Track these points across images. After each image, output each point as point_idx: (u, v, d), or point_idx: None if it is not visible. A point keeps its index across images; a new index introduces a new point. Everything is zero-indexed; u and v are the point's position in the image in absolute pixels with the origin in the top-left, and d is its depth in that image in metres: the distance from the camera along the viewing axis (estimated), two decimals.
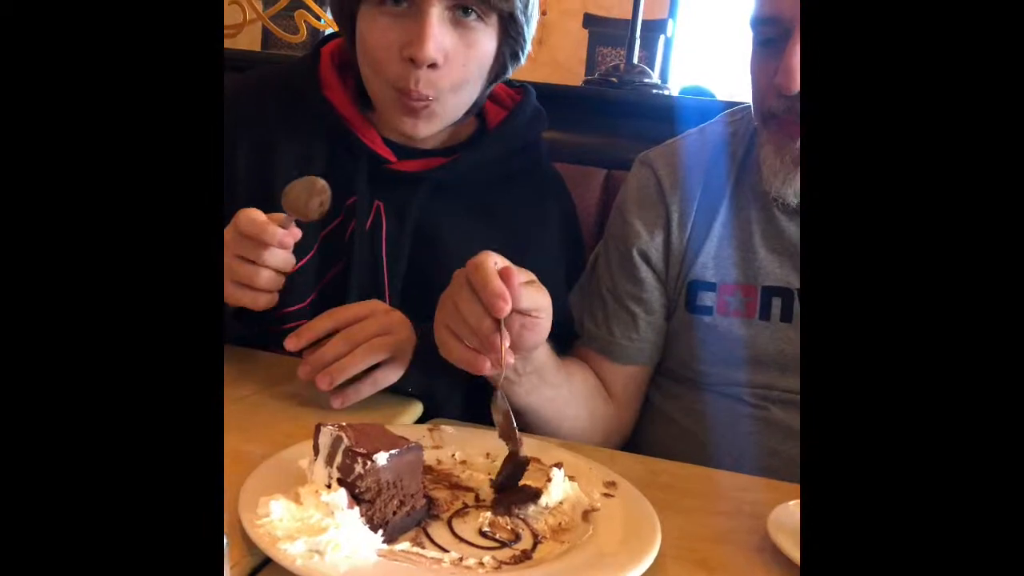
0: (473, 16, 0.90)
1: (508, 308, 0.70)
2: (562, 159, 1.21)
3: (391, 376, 0.85)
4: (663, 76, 3.36)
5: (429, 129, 0.95)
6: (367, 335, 0.83)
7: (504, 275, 0.71)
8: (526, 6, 0.93)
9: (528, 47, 0.97)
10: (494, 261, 0.73)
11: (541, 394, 0.87)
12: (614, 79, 1.67)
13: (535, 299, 0.75)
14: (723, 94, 3.10)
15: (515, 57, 0.98)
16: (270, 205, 0.84)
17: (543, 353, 0.84)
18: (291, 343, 0.83)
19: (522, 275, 0.74)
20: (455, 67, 0.91)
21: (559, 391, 0.90)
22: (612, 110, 1.44)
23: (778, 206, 0.95)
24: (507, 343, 0.72)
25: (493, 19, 0.91)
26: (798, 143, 0.88)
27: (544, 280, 1.00)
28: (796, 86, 0.84)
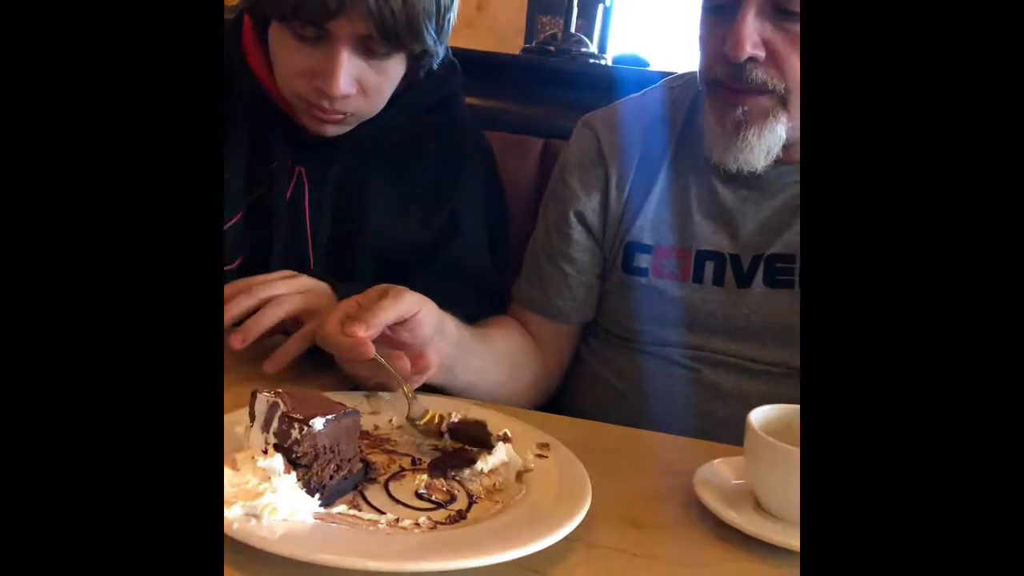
0: (382, 51, 0.91)
1: (370, 351, 0.72)
2: (499, 128, 1.22)
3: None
4: (601, 45, 3.37)
5: (340, 131, 0.98)
6: (274, 292, 0.83)
7: (357, 316, 0.72)
8: (438, 33, 0.93)
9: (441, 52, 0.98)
10: (341, 315, 0.74)
11: (471, 366, 0.89)
12: (552, 48, 1.67)
13: (394, 312, 0.74)
14: (658, 63, 3.12)
15: (423, 66, 0.99)
16: None
17: (453, 328, 0.85)
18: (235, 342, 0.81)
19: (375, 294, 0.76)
20: (371, 92, 0.94)
21: (484, 358, 0.92)
22: (550, 79, 1.44)
23: (716, 173, 0.97)
24: (403, 362, 0.77)
25: (401, 50, 0.92)
26: (739, 110, 0.89)
27: (466, 236, 1.03)
28: (743, 54, 0.85)
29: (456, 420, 0.72)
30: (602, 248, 1.04)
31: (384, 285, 0.78)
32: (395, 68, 0.94)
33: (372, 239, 0.90)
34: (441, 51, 0.97)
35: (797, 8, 0.84)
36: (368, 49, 0.90)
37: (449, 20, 0.94)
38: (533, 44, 1.85)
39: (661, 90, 1.07)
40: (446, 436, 0.72)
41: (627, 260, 1.01)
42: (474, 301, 1.01)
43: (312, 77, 0.90)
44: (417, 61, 0.96)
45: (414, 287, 0.78)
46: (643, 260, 1.00)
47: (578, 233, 1.03)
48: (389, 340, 0.76)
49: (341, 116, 0.94)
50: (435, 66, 1.00)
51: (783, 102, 0.88)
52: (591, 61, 1.68)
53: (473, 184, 1.07)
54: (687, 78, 1.07)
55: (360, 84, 0.92)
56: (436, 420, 0.73)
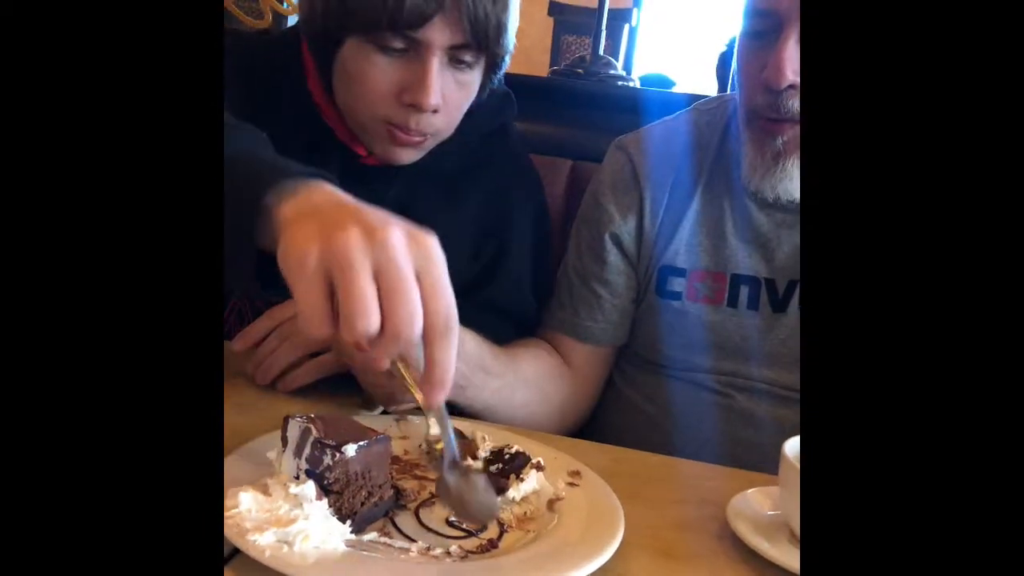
0: (468, 59, 0.89)
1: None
2: (528, 149, 1.22)
3: (334, 361, 0.85)
4: (627, 65, 3.38)
5: (415, 157, 0.94)
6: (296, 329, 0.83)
7: None
8: (511, 43, 0.92)
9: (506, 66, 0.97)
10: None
11: (489, 387, 0.88)
12: (580, 70, 1.67)
13: None
14: (684, 82, 3.13)
15: (493, 81, 0.98)
16: None
17: (472, 347, 0.85)
18: (237, 344, 0.84)
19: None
20: (451, 109, 0.91)
21: (504, 379, 0.91)
22: (578, 101, 1.44)
23: (752, 197, 0.96)
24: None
25: (483, 59, 0.91)
26: (779, 140, 0.89)
27: (512, 272, 1.02)
28: (784, 81, 0.85)
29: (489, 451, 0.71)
30: (636, 271, 1.03)
31: None
32: (474, 82, 0.92)
33: None
34: (505, 66, 0.96)
35: None
36: (453, 60, 0.88)
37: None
38: (561, 66, 1.86)
39: (694, 113, 1.07)
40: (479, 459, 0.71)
41: (661, 284, 1.01)
42: (513, 337, 1.00)
43: (400, 93, 0.87)
44: (488, 77, 0.95)
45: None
46: (677, 284, 1.00)
47: (613, 255, 1.03)
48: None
49: (423, 138, 0.91)
50: (496, 84, 0.98)
51: None
52: (619, 83, 1.68)
53: (523, 218, 1.06)
54: (719, 101, 1.07)
55: (444, 99, 0.89)
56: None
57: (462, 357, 0.82)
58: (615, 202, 1.03)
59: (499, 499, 0.67)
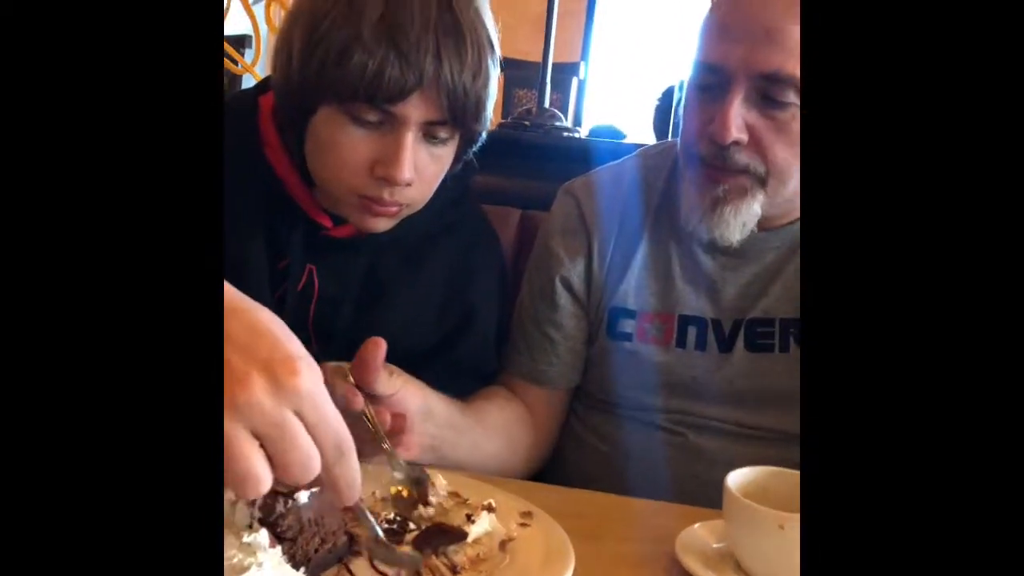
0: (443, 135, 0.88)
1: (359, 399, 0.75)
2: (478, 200, 1.24)
3: None
4: (577, 118, 3.46)
5: (389, 226, 0.93)
6: None
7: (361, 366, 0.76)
8: (488, 120, 0.92)
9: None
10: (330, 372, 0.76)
11: (462, 445, 0.90)
12: (527, 123, 1.72)
13: (386, 384, 0.78)
14: (633, 134, 3.21)
15: (467, 154, 0.97)
16: None
17: (443, 409, 0.87)
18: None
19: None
20: (425, 182, 0.90)
21: (475, 433, 0.93)
22: (526, 152, 1.48)
23: (696, 239, 1.00)
24: (385, 418, 0.77)
25: (458, 134, 0.91)
26: (720, 188, 0.92)
27: (478, 333, 1.03)
28: (729, 138, 0.88)
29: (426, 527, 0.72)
30: (587, 313, 1.06)
31: None
32: (448, 155, 0.91)
33: (385, 336, 0.87)
34: (481, 141, 0.95)
35: (783, 97, 0.87)
36: (428, 135, 0.87)
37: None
38: (509, 119, 1.91)
39: (640, 158, 1.11)
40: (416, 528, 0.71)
41: (611, 325, 1.03)
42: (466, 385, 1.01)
43: (372, 166, 0.86)
44: (462, 150, 0.94)
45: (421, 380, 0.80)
46: (627, 325, 1.02)
47: (564, 299, 1.05)
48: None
49: (397, 208, 0.89)
50: (469, 156, 0.97)
51: (762, 182, 0.91)
52: (565, 134, 1.73)
53: (487, 279, 1.06)
54: (663, 147, 1.11)
55: (418, 172, 0.87)
56: (405, 495, 0.74)
57: (432, 420, 0.84)
58: (564, 246, 1.06)
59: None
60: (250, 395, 0.47)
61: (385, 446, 0.76)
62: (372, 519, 0.63)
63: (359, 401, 0.75)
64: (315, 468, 0.50)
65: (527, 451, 1.03)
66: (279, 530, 0.61)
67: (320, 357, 0.88)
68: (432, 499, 0.73)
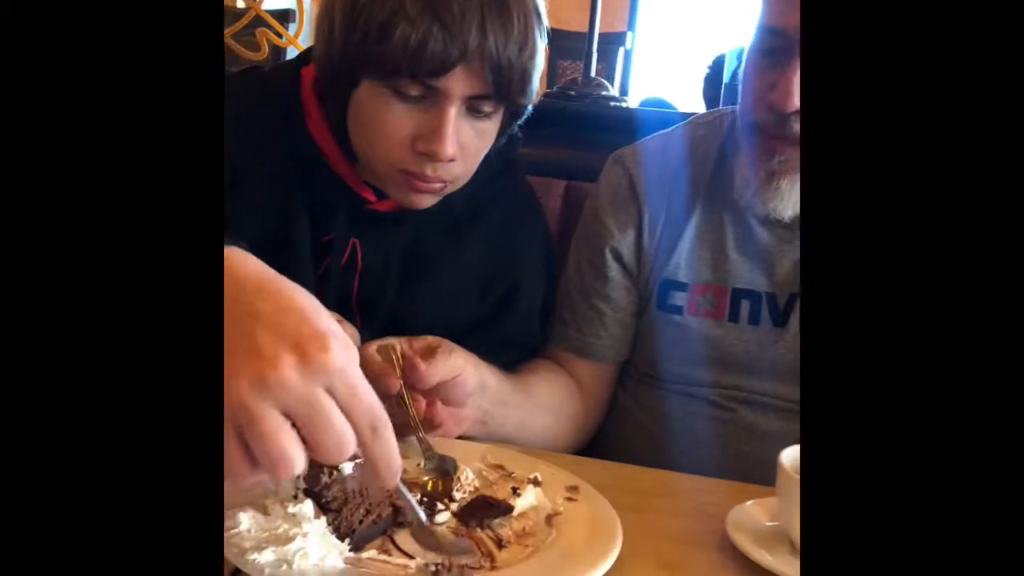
0: (487, 109, 0.86)
1: (395, 383, 0.74)
2: (523, 171, 1.23)
3: None
4: (623, 88, 3.41)
5: (432, 202, 0.91)
6: None
7: (407, 365, 0.75)
8: (534, 93, 0.89)
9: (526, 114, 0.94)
10: (377, 345, 0.77)
11: (511, 419, 0.89)
12: (572, 92, 1.69)
13: (439, 374, 0.77)
14: (683, 107, 3.15)
15: (512, 128, 0.95)
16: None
17: (494, 384, 0.86)
18: None
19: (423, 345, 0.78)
20: (469, 157, 0.87)
21: (524, 409, 0.92)
22: (571, 122, 1.45)
23: (751, 212, 0.97)
24: (419, 405, 0.77)
25: (503, 108, 0.88)
26: (776, 159, 0.88)
27: (523, 310, 1.02)
28: (792, 107, 0.84)
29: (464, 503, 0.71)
30: (637, 285, 1.03)
31: (433, 338, 0.79)
32: (492, 130, 0.89)
33: (427, 313, 0.86)
34: (527, 114, 0.93)
35: None
36: (472, 109, 0.85)
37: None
38: (555, 88, 1.88)
39: (690, 127, 1.07)
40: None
41: (662, 298, 1.01)
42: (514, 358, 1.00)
43: (414, 142, 0.84)
44: (507, 124, 0.92)
45: None
46: (678, 298, 1.00)
47: (614, 271, 1.03)
48: (427, 391, 0.77)
49: (441, 185, 0.88)
50: (514, 130, 0.95)
51: None
52: (611, 104, 1.69)
53: (531, 254, 1.04)
54: (715, 116, 1.07)
55: (461, 148, 0.85)
56: (438, 488, 0.73)
57: (484, 395, 0.84)
58: (613, 216, 1.04)
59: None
60: (280, 373, 0.46)
61: (420, 435, 0.75)
62: (415, 503, 0.62)
63: (395, 384, 0.74)
64: (349, 447, 0.49)
65: (575, 426, 1.02)
66: (324, 501, 0.61)
67: (364, 332, 0.89)
68: (456, 495, 0.71)
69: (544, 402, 0.96)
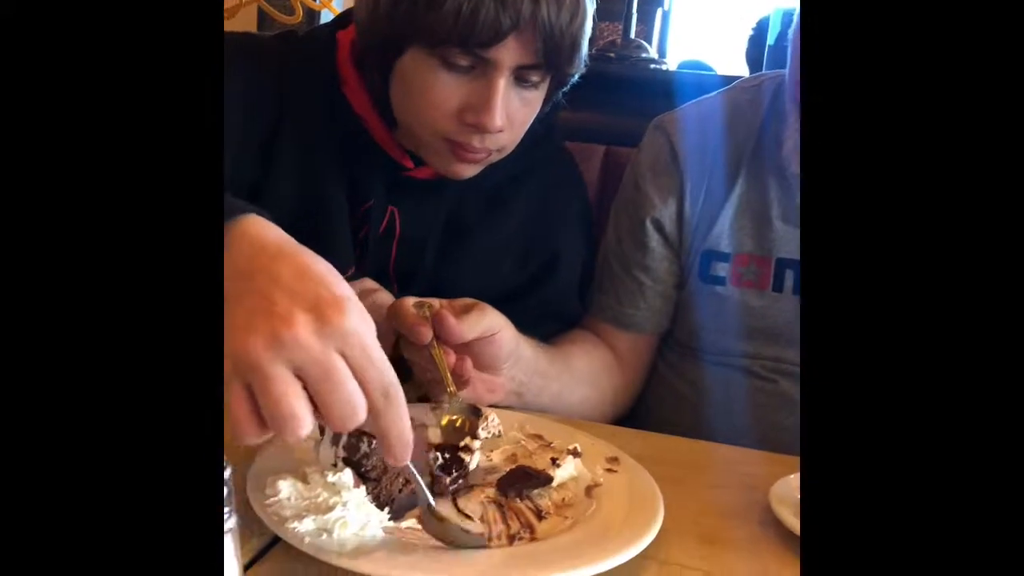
0: (535, 79, 0.84)
1: (427, 332, 0.73)
2: (562, 137, 1.21)
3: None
4: (661, 50, 3.34)
5: (476, 171, 0.90)
6: None
7: (437, 318, 0.74)
8: (582, 61, 0.88)
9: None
10: (415, 300, 0.76)
11: (548, 391, 0.88)
12: (611, 54, 1.66)
13: (477, 329, 0.76)
14: (722, 69, 3.08)
15: (557, 96, 0.93)
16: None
17: (530, 355, 0.85)
18: None
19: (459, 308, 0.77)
20: (515, 127, 0.86)
21: (561, 380, 0.91)
22: (610, 86, 1.42)
23: (795, 179, 0.94)
24: (449, 358, 0.75)
25: (549, 77, 0.87)
26: None
27: (561, 279, 1.00)
28: None
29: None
30: (679, 256, 1.01)
31: (471, 300, 0.78)
32: (539, 99, 0.88)
33: (465, 281, 0.85)
34: (571, 82, 0.92)
35: None
36: (520, 79, 0.83)
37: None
38: (593, 51, 1.84)
39: (735, 92, 1.04)
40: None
41: (703, 268, 0.99)
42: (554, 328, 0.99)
43: (462, 112, 0.82)
44: (553, 92, 0.91)
45: None
46: (720, 268, 0.98)
47: (654, 241, 1.01)
48: (461, 348, 0.76)
49: (486, 154, 0.86)
50: (559, 98, 0.94)
51: None
52: (652, 66, 1.66)
53: (571, 222, 1.03)
54: (760, 80, 1.04)
55: (509, 118, 0.84)
56: (458, 424, 0.73)
57: (520, 366, 0.83)
58: (655, 185, 1.01)
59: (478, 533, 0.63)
60: (294, 333, 0.46)
61: (450, 388, 0.74)
62: (423, 485, 0.61)
63: (427, 334, 0.73)
64: (360, 412, 0.48)
65: (612, 399, 1.01)
66: (363, 470, 0.61)
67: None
68: (481, 432, 0.71)
69: (582, 375, 0.95)
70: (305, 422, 0.47)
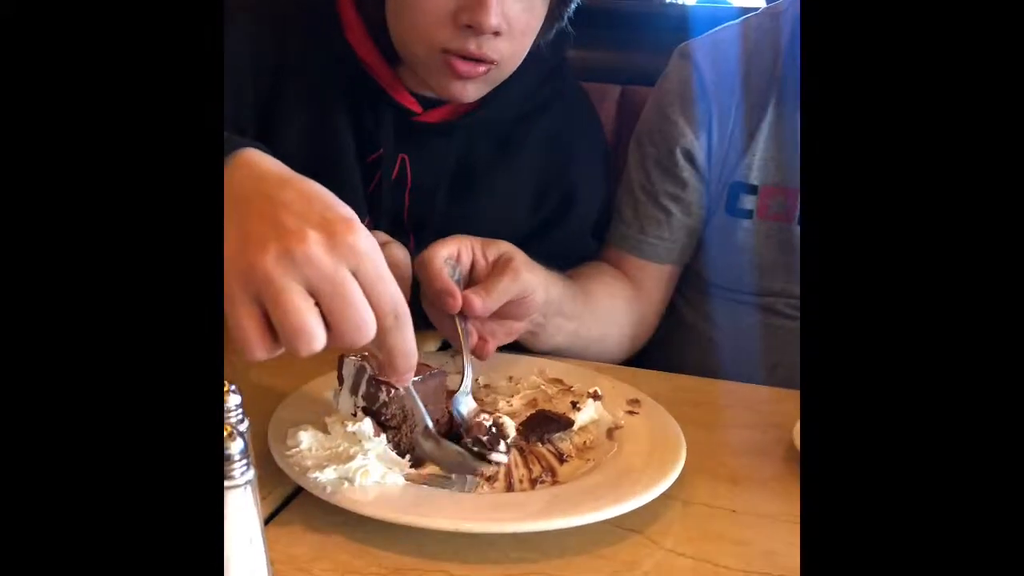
0: None
1: (457, 304, 0.70)
2: (575, 77, 1.18)
3: None
4: None
5: (479, 92, 0.87)
6: None
7: (465, 301, 0.71)
8: None
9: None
10: (447, 255, 0.73)
11: (564, 330, 0.87)
12: None
13: (511, 294, 0.73)
14: (740, 2, 2.99)
15: (563, 15, 0.90)
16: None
17: (557, 292, 0.83)
18: None
19: (494, 254, 0.75)
20: (516, 33, 0.83)
21: (582, 320, 0.89)
22: (625, 23, 1.39)
23: None
24: (472, 338, 0.73)
25: None
26: None
27: (577, 218, 0.98)
28: None
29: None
30: (708, 187, 0.98)
31: (502, 251, 0.76)
32: (540, 6, 0.84)
33: (480, 226, 0.81)
34: None
35: None
36: None
37: None
38: None
39: (764, 17, 1.00)
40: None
41: (731, 201, 0.96)
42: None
43: (457, 14, 0.79)
44: (559, 10, 0.88)
45: None
46: (748, 201, 0.95)
47: (686, 172, 0.98)
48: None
49: (486, 67, 0.83)
50: (564, 21, 0.91)
51: None
52: (667, 1, 1.61)
53: (588, 160, 1.01)
54: (795, 3, 1.00)
55: (508, 22, 0.80)
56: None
57: (544, 307, 0.80)
58: (684, 115, 0.98)
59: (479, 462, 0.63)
60: (306, 248, 0.47)
61: (467, 362, 0.72)
62: (422, 405, 0.60)
63: (455, 305, 0.71)
64: (370, 330, 0.49)
65: (630, 333, 0.99)
66: (383, 419, 0.61)
67: (416, 248, 0.87)
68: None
69: (602, 311, 0.93)
70: (317, 337, 0.47)
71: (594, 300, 0.92)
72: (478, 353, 0.75)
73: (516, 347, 0.83)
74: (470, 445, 0.63)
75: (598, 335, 0.92)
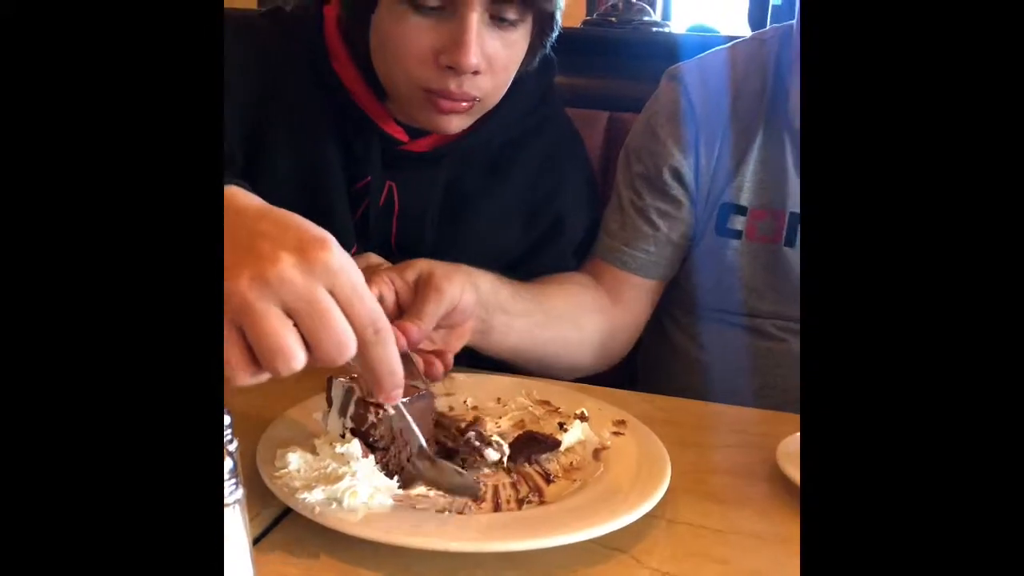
0: (512, 16, 0.82)
1: (402, 343, 0.68)
2: (562, 103, 1.20)
3: None
4: (665, 13, 3.30)
5: (464, 124, 0.88)
6: None
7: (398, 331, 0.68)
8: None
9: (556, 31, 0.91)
10: (383, 283, 0.73)
11: (515, 328, 0.86)
12: (613, 19, 1.64)
13: (441, 311, 0.73)
14: (727, 32, 3.04)
15: (544, 45, 0.91)
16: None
17: (489, 287, 0.82)
18: None
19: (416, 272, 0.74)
20: (498, 70, 0.84)
21: (531, 317, 0.88)
22: (613, 51, 1.41)
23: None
24: (419, 365, 0.71)
25: (529, 16, 0.85)
26: None
27: (564, 242, 0.99)
28: None
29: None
30: (695, 207, 1.00)
31: (419, 270, 0.75)
32: (521, 42, 0.85)
33: (468, 253, 0.83)
34: (557, 28, 0.90)
35: None
36: (496, 17, 0.81)
37: None
38: (594, 16, 1.82)
39: (747, 43, 1.03)
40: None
41: (721, 222, 0.98)
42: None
43: (437, 56, 0.81)
44: (539, 40, 0.89)
45: None
46: (738, 222, 0.97)
47: (675, 190, 0.99)
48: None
49: (468, 103, 0.84)
50: (549, 47, 0.92)
51: None
52: (655, 30, 1.64)
53: (574, 186, 1.02)
54: (775, 32, 1.02)
55: (488, 60, 0.82)
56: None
57: (479, 303, 0.80)
58: (672, 135, 0.99)
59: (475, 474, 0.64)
60: (280, 269, 0.48)
61: (424, 387, 0.70)
62: (416, 428, 0.60)
63: (401, 342, 0.67)
64: (350, 347, 0.50)
65: (599, 340, 0.97)
66: (371, 440, 0.61)
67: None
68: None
69: (558, 312, 0.92)
70: (296, 356, 0.48)
71: (548, 300, 0.92)
72: (431, 376, 0.74)
73: (497, 364, 0.83)
74: (462, 450, 0.63)
75: (554, 336, 0.91)
